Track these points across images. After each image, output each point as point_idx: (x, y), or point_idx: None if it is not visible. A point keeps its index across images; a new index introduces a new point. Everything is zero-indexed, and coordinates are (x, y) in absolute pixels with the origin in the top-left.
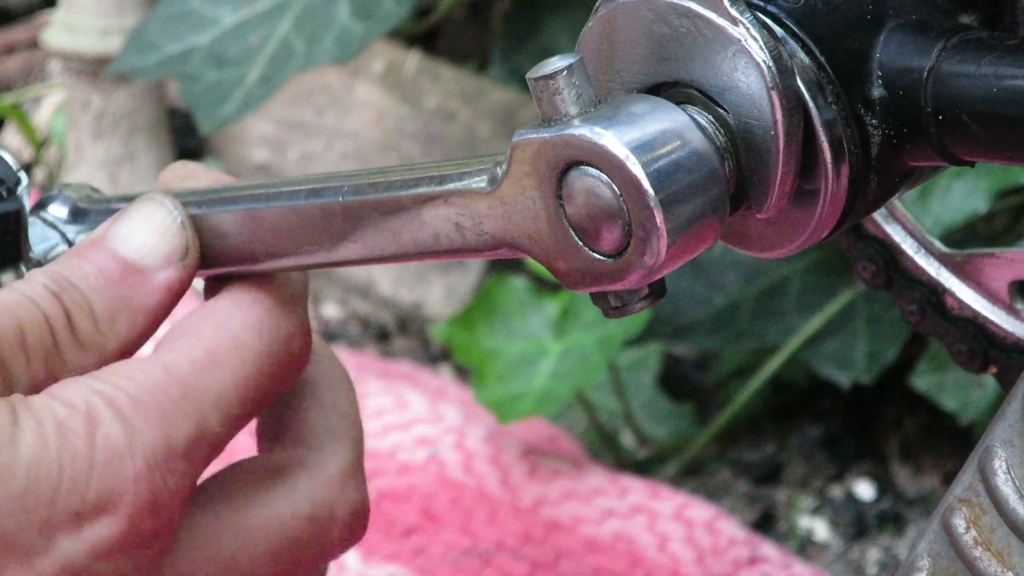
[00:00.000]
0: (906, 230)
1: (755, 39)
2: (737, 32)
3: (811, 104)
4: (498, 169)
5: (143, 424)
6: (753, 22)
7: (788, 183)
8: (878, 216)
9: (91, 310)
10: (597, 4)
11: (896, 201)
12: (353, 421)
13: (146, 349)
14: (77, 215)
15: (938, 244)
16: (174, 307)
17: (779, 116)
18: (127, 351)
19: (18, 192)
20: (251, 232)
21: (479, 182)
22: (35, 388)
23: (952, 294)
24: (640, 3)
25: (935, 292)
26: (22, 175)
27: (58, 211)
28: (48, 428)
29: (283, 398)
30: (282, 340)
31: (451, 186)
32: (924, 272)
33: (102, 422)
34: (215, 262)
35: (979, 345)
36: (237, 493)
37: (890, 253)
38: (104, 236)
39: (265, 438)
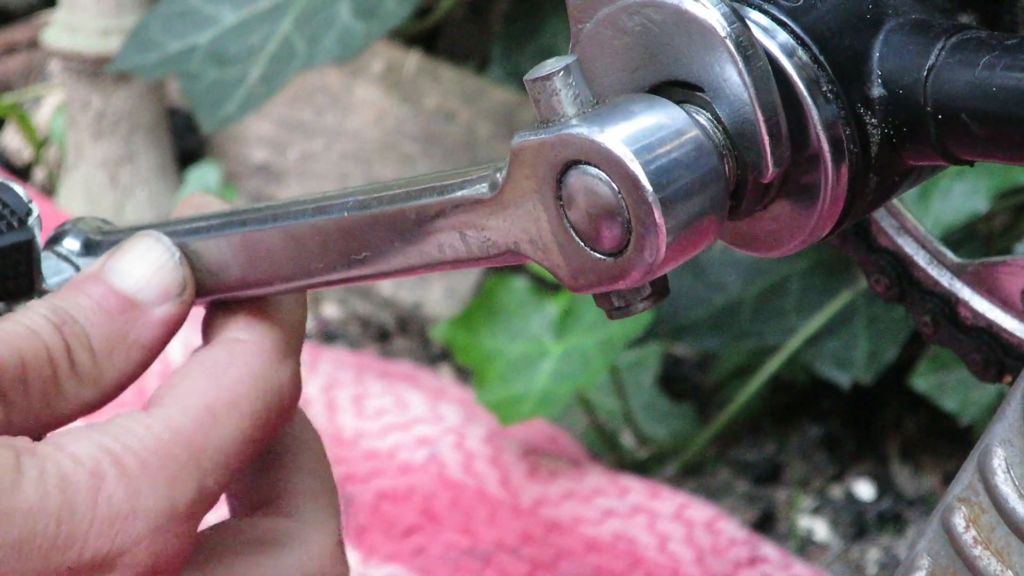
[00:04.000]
0: (918, 242)
1: (696, 1)
2: (677, 1)
3: (810, 103)
4: (498, 175)
5: (148, 486)
6: None
7: (777, 135)
8: (890, 228)
9: (90, 343)
10: (570, 49)
11: (907, 212)
12: (332, 487)
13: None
14: (90, 247)
15: (950, 255)
16: (169, 342)
17: (741, 65)
18: (123, 385)
19: (29, 223)
20: (258, 254)
21: (480, 189)
22: (31, 418)
23: (966, 304)
24: (598, 25)
25: (948, 303)
26: (33, 206)
27: (71, 244)
28: (51, 479)
29: (263, 461)
30: (274, 392)
31: (453, 195)
32: (937, 283)
33: (107, 481)
34: (221, 287)
35: (994, 354)
36: (228, 557)
37: (903, 265)
38: (102, 270)
39: (245, 501)
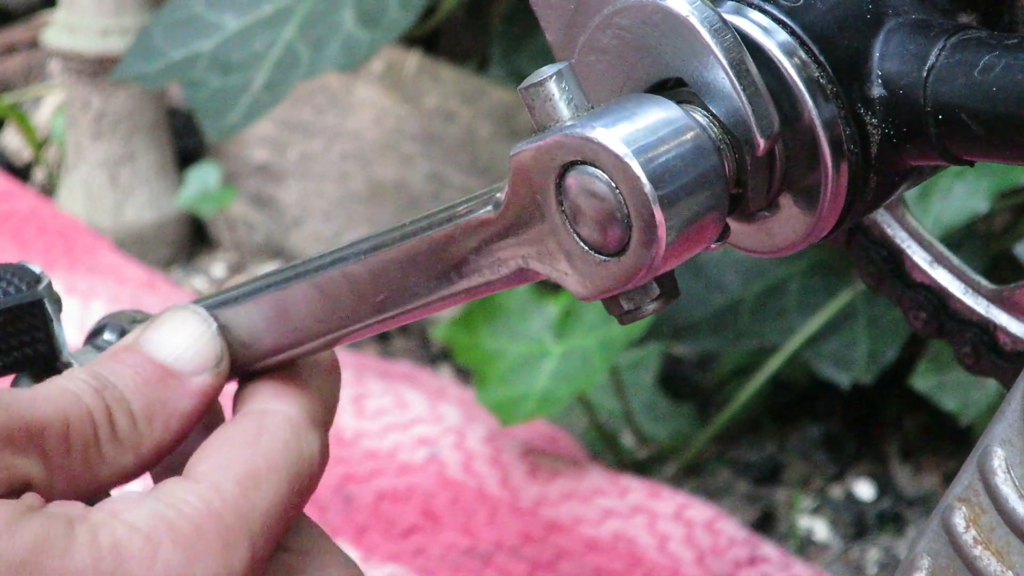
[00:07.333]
0: (952, 272)
1: None
2: None
3: (810, 102)
4: (499, 194)
5: (204, 552)
6: None
7: (758, 102)
8: (923, 262)
9: (130, 409)
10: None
11: (939, 244)
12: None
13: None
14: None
15: (984, 282)
16: (206, 413)
17: (708, 39)
18: (160, 454)
19: (39, 289)
20: (286, 313)
21: (486, 210)
22: (72, 481)
23: (1004, 330)
24: (581, 54)
25: (987, 331)
26: (44, 276)
27: (109, 336)
28: (104, 544)
29: None
30: (306, 461)
31: (461, 220)
32: (974, 312)
33: (162, 547)
34: (254, 357)
35: None
36: None
37: (939, 298)
38: (137, 341)
39: None
